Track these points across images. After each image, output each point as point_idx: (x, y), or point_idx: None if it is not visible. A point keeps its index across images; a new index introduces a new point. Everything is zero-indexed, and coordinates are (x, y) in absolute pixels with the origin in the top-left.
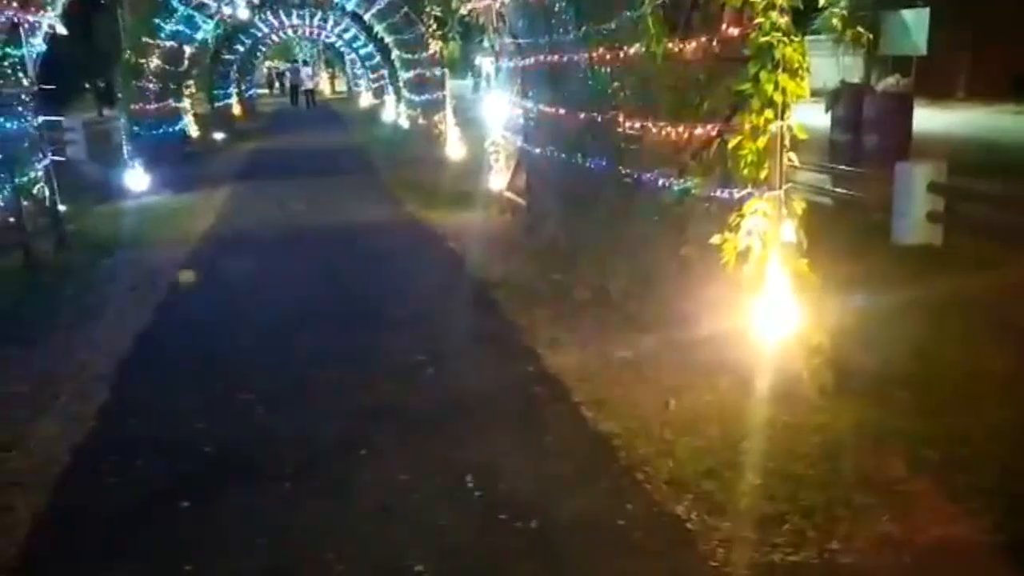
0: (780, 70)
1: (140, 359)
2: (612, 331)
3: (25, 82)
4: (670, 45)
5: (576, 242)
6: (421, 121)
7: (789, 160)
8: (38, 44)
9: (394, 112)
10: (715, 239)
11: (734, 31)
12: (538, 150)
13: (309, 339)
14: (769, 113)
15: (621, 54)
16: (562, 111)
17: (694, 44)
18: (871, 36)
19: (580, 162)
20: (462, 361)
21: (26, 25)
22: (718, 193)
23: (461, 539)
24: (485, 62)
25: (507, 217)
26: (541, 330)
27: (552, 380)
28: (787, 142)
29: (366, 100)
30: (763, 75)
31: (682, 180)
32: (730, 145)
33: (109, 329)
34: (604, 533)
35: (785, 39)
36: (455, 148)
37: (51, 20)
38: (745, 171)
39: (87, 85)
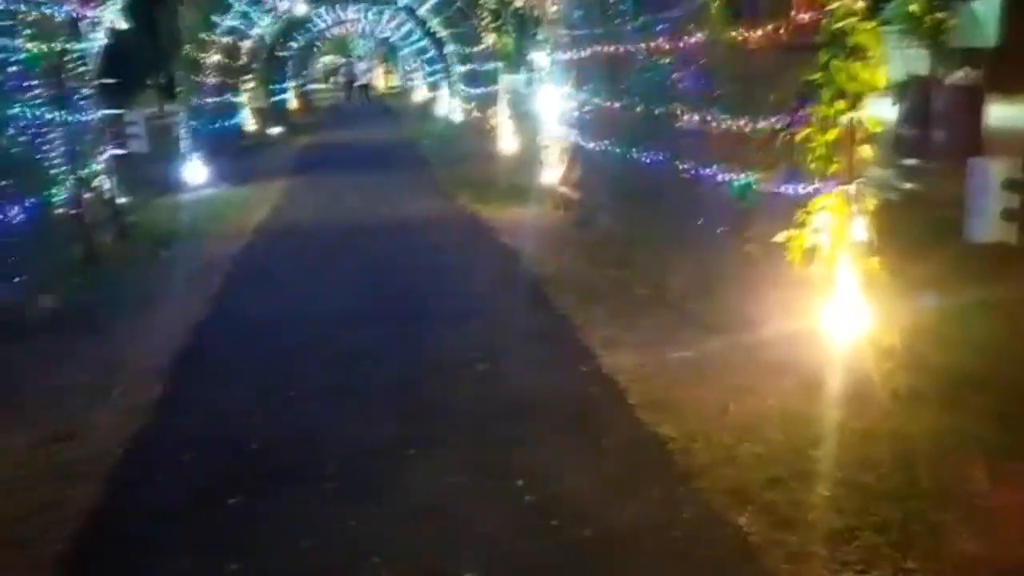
0: (854, 58)
1: (193, 352)
2: (670, 330)
3: (86, 76)
4: (734, 33)
5: (632, 237)
6: (475, 115)
7: (861, 154)
8: (99, 39)
9: (448, 106)
10: (780, 236)
11: (804, 17)
12: (593, 144)
13: (361, 333)
14: (841, 104)
15: (681, 44)
16: (618, 104)
17: (761, 32)
18: (949, 24)
19: (636, 156)
20: (515, 359)
21: (87, 20)
22: (784, 188)
23: (510, 546)
24: (539, 55)
25: (561, 212)
26: (596, 328)
27: (607, 380)
28: (859, 134)
29: (420, 95)
30: (835, 63)
31: (745, 174)
32: (798, 138)
33: (165, 321)
34: (659, 544)
35: (861, 25)
36: (508, 142)
37: (112, 15)
38: (814, 165)
39: (149, 80)
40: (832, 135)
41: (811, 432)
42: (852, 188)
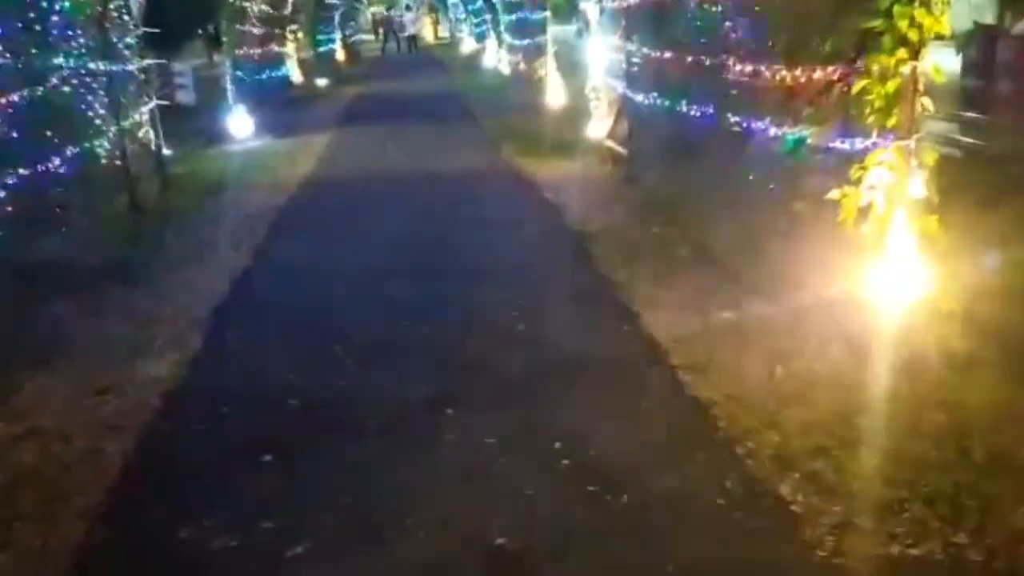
0: (916, 3)
1: (234, 305)
2: (715, 290)
3: (131, 25)
4: None
5: (678, 194)
6: (522, 67)
7: (922, 106)
8: None
9: (495, 58)
10: (833, 194)
11: None
12: (641, 97)
13: (402, 290)
14: (902, 52)
15: None
16: (667, 55)
17: None
18: None
19: (685, 109)
20: (555, 318)
21: None
22: (838, 143)
23: (547, 510)
24: (588, 6)
25: (607, 166)
26: (639, 287)
27: (649, 341)
28: (920, 85)
29: (468, 46)
30: (897, 9)
31: (797, 128)
32: (854, 89)
33: (206, 273)
34: (700, 512)
35: None
36: (556, 95)
37: None
38: (871, 118)
39: (197, 30)
40: (892, 86)
41: (860, 399)
42: (911, 143)
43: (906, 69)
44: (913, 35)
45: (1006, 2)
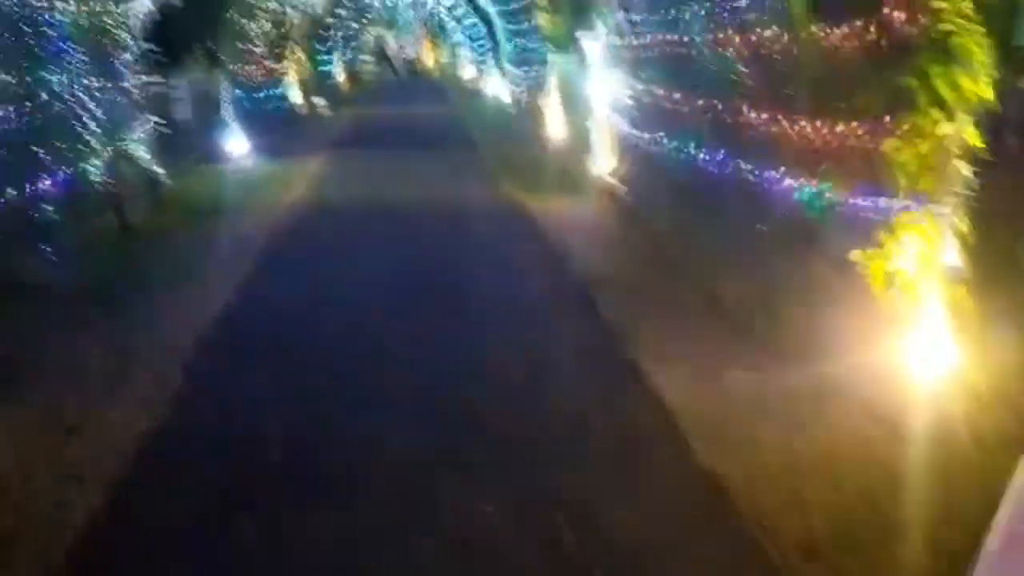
0: (955, 65)
1: (217, 336)
2: (726, 347)
3: (129, 42)
4: (815, 29)
5: (685, 239)
6: (523, 97)
7: (957, 170)
8: (145, 4)
9: (495, 86)
10: (857, 255)
11: (900, 15)
12: (647, 136)
13: (392, 329)
14: (938, 114)
15: (752, 37)
16: (677, 95)
17: (846, 29)
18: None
19: (695, 152)
20: (556, 370)
21: None
22: (862, 201)
23: None
24: (592, 39)
25: (609, 205)
26: (645, 339)
27: (657, 402)
28: (956, 149)
29: (467, 73)
30: (935, 69)
31: (817, 182)
32: (884, 148)
33: (191, 299)
34: None
35: (967, 28)
36: (557, 127)
37: None
38: (902, 179)
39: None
40: (925, 148)
41: (887, 480)
42: (944, 207)
43: (941, 131)
44: (950, 97)
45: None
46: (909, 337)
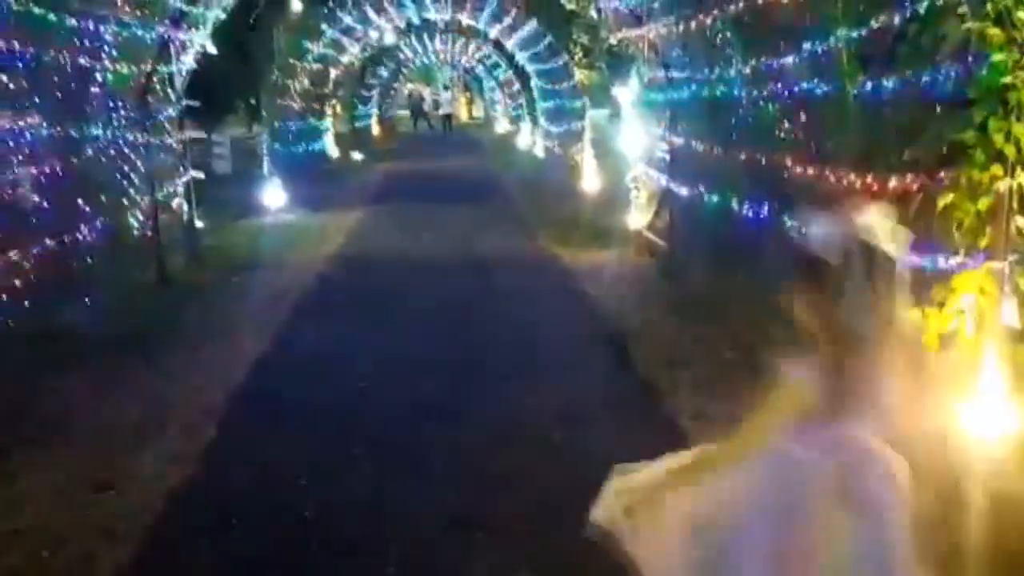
0: (1014, 117)
1: (250, 392)
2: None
3: (172, 98)
4: (863, 81)
5: (723, 294)
6: (557, 151)
7: (1018, 228)
8: (188, 62)
9: (530, 140)
10: (912, 314)
11: (952, 68)
12: (685, 190)
13: (427, 388)
14: (996, 168)
15: (797, 90)
16: (716, 149)
17: (895, 82)
18: None
19: (735, 206)
20: (592, 429)
21: (177, 43)
22: (916, 259)
23: None
24: (622, 92)
25: (646, 259)
26: (683, 396)
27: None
28: (1016, 204)
29: (502, 127)
30: (992, 123)
31: None
32: (940, 203)
33: (225, 355)
34: None
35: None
36: (593, 181)
37: (201, 39)
38: (958, 236)
39: (238, 102)
40: (984, 204)
41: (947, 545)
42: (1005, 266)
43: (1001, 186)
44: (1009, 151)
45: None
46: (966, 400)
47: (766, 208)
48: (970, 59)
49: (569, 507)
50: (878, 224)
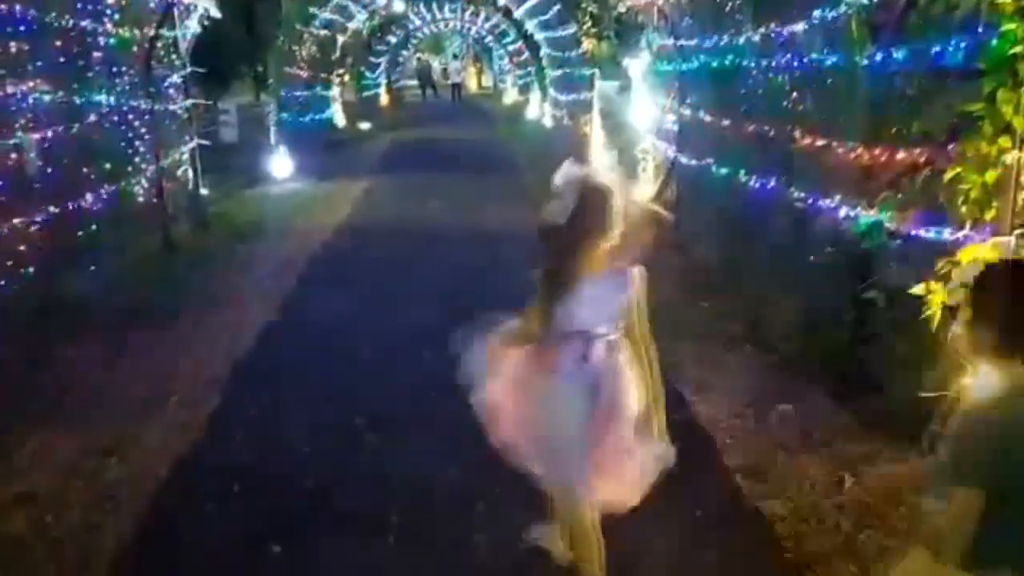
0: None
1: (255, 361)
2: (771, 378)
3: (177, 64)
4: (872, 51)
5: (729, 266)
6: (566, 121)
7: None
8: (192, 27)
9: (539, 110)
10: (918, 288)
11: (962, 38)
12: (693, 161)
13: (432, 356)
14: (1005, 140)
15: (806, 60)
16: (725, 121)
17: (905, 52)
18: None
19: (741, 178)
20: None
21: (180, 6)
22: (921, 231)
23: None
24: (633, 63)
25: (652, 231)
26: (687, 368)
27: (701, 435)
28: (1023, 177)
29: (511, 97)
30: (1001, 94)
31: (872, 211)
32: (946, 176)
33: (231, 322)
34: None
35: None
36: (600, 152)
37: (205, 3)
38: (964, 208)
39: (244, 70)
40: (991, 176)
41: None
42: (1011, 239)
43: (1009, 159)
44: (1018, 123)
45: None
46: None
47: (773, 180)
48: (980, 29)
49: None
50: (597, 171)
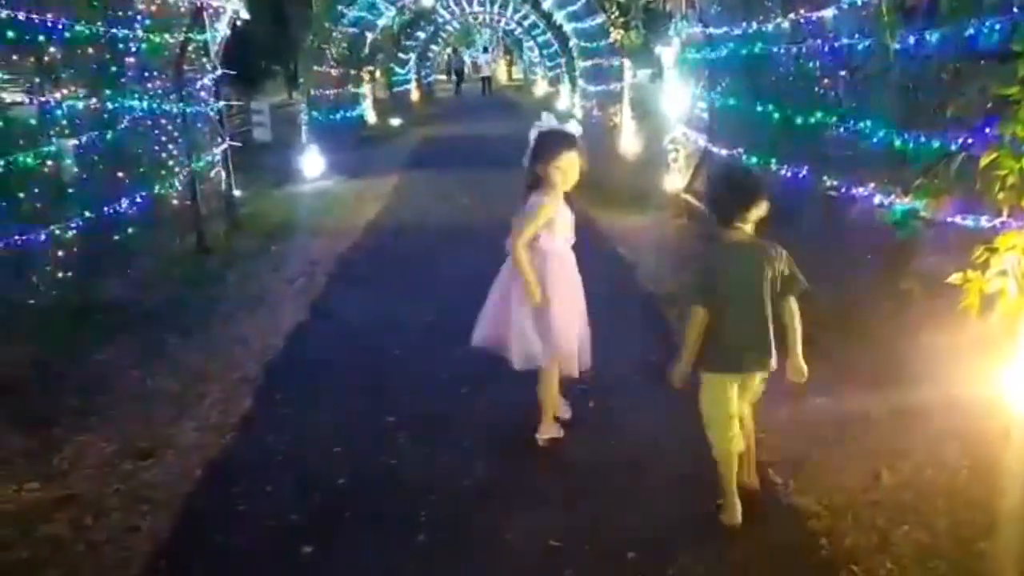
0: None
1: (287, 362)
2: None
3: (208, 66)
4: (904, 34)
5: None
6: (596, 113)
7: None
8: (222, 30)
9: (568, 102)
10: (954, 277)
11: (997, 20)
12: (724, 151)
13: (463, 355)
14: None
15: (837, 45)
16: (756, 109)
17: (939, 35)
18: None
19: (774, 168)
20: (627, 396)
21: (210, 10)
22: (957, 219)
23: None
24: (666, 52)
25: (683, 221)
26: None
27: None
28: None
29: (541, 88)
30: None
31: (907, 199)
32: (982, 162)
33: (263, 325)
34: None
35: None
36: (631, 142)
37: (235, 6)
38: (1001, 195)
39: (276, 69)
40: None
41: (983, 519)
42: None
43: None
44: None
45: None
46: (1009, 365)
47: (805, 169)
48: (1015, 10)
49: (600, 471)
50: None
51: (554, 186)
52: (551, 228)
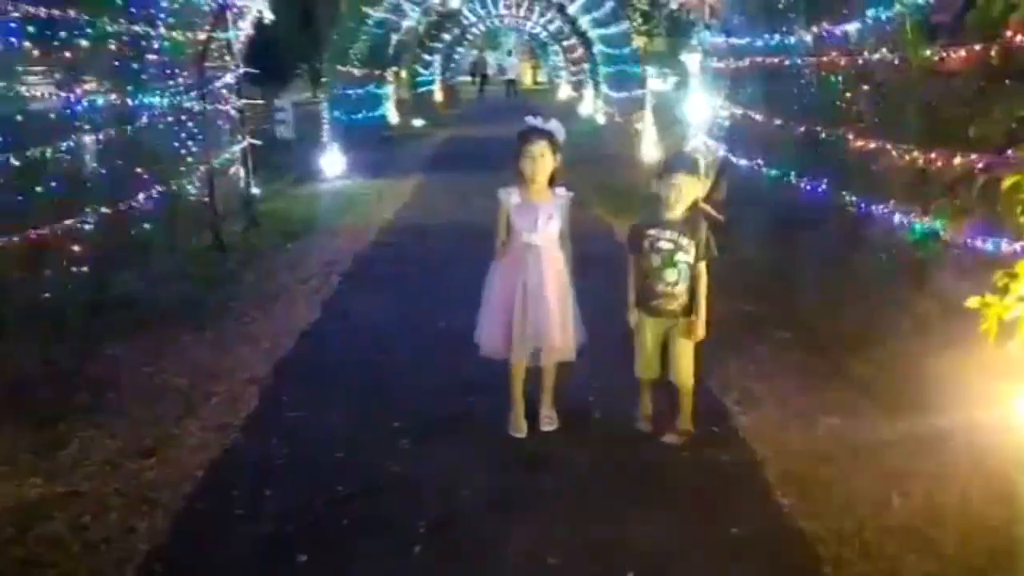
0: None
1: (296, 362)
2: (818, 388)
3: (231, 64)
4: (929, 53)
5: (778, 270)
6: (618, 119)
7: None
8: (246, 28)
9: (591, 107)
10: (972, 301)
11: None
12: (744, 162)
13: (474, 363)
14: None
15: (860, 60)
16: (777, 121)
17: (964, 53)
18: None
19: (794, 181)
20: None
21: (234, 9)
22: (978, 242)
23: None
24: (691, 59)
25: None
26: (730, 376)
27: (741, 447)
28: None
29: (564, 93)
30: None
31: (927, 219)
32: (1005, 184)
33: (275, 323)
34: None
35: None
36: (652, 149)
37: (259, 6)
38: (1023, 219)
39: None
40: None
41: (997, 549)
42: None
43: None
44: None
45: None
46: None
47: (825, 183)
48: None
49: (596, 488)
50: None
51: (524, 178)
52: (513, 222)
